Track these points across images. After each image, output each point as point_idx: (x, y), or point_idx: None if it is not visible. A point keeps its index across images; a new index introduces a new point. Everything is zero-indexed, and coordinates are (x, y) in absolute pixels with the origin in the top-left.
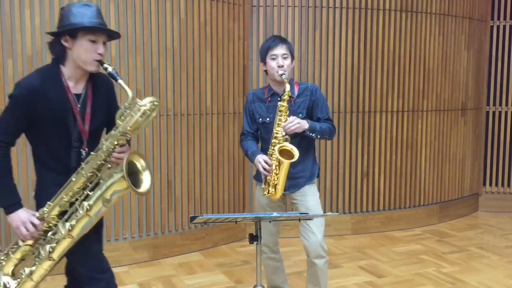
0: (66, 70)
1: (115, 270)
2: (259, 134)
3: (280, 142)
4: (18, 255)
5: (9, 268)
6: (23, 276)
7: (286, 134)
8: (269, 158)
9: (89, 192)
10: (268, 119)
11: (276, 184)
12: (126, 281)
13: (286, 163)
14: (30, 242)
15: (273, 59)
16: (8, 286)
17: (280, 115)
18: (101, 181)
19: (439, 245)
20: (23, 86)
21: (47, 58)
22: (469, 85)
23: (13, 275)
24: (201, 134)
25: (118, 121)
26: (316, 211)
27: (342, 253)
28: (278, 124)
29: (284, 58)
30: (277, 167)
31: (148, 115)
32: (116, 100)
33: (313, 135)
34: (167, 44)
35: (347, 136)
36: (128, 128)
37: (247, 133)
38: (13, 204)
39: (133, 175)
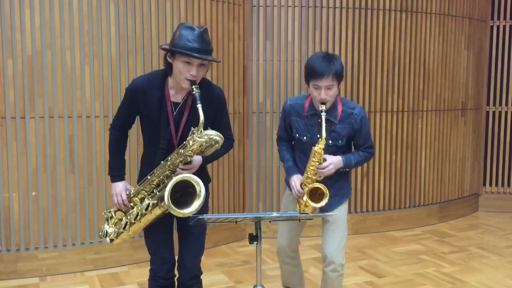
0: (170, 80)
1: (115, 270)
2: (294, 145)
3: (313, 181)
4: (117, 215)
5: (113, 221)
6: (113, 232)
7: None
8: (302, 185)
9: (157, 192)
10: (305, 138)
11: (305, 210)
12: (126, 281)
13: (315, 206)
14: (123, 210)
15: (316, 88)
16: (107, 234)
17: (314, 156)
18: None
19: (439, 245)
20: (133, 83)
21: (47, 58)
22: (469, 85)
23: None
24: None
25: (185, 142)
26: (341, 222)
27: None
28: (312, 165)
29: (328, 89)
30: (306, 201)
31: (209, 146)
32: (223, 116)
33: (348, 169)
34: None
35: None
36: (189, 151)
37: (282, 138)
38: (116, 176)
39: (188, 195)
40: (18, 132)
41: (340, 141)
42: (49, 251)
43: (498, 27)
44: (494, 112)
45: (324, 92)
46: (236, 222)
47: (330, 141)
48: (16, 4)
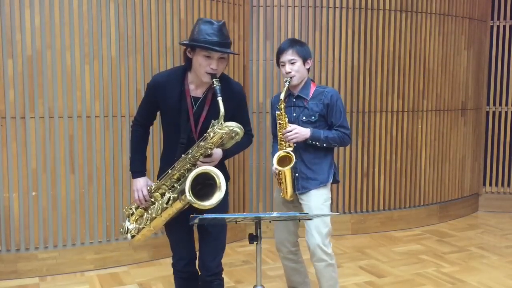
0: (190, 76)
1: (115, 270)
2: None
3: (283, 148)
4: (138, 212)
5: (134, 218)
6: (134, 228)
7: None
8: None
9: (178, 186)
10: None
11: (285, 187)
12: (126, 281)
13: (284, 170)
14: (144, 206)
15: (282, 65)
16: (128, 230)
17: (279, 123)
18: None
19: (439, 245)
20: (153, 79)
21: (47, 58)
22: (469, 85)
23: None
24: None
25: (206, 135)
26: (317, 212)
27: (342, 253)
28: (279, 131)
29: (292, 63)
30: (279, 173)
31: (229, 138)
32: (242, 111)
33: (317, 143)
34: (167, 44)
35: None
36: (210, 143)
37: (274, 135)
38: (136, 172)
39: (209, 187)
40: (18, 132)
41: (313, 117)
42: (49, 251)
43: (498, 27)
44: (494, 112)
45: (288, 66)
46: (236, 222)
47: (304, 117)
48: (16, 4)
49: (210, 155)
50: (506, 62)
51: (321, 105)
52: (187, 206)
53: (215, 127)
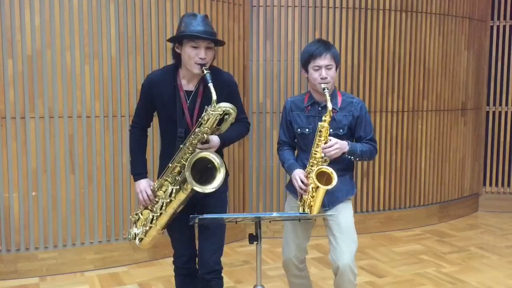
0: (181, 71)
1: (115, 270)
2: (296, 143)
3: (319, 163)
4: (144, 215)
5: (140, 223)
6: (141, 231)
7: (325, 156)
8: (306, 177)
9: (179, 179)
10: (307, 130)
11: (311, 206)
12: (126, 281)
13: (324, 188)
14: (149, 207)
15: (316, 70)
16: (136, 235)
17: (320, 136)
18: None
19: (439, 245)
20: (147, 78)
21: (47, 58)
22: (469, 85)
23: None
24: None
25: (201, 120)
26: (348, 229)
27: None
28: (318, 145)
29: (328, 69)
30: (313, 189)
31: (223, 121)
32: (235, 100)
33: (352, 158)
34: (167, 44)
35: None
36: (205, 127)
37: (283, 142)
38: (138, 174)
39: (209, 172)
40: (18, 132)
41: (341, 130)
42: (49, 251)
43: (498, 27)
44: (494, 112)
45: (325, 72)
46: (236, 222)
47: (331, 130)
48: (16, 4)
49: (207, 141)
50: (506, 62)
51: (350, 117)
52: (190, 195)
53: (209, 110)
